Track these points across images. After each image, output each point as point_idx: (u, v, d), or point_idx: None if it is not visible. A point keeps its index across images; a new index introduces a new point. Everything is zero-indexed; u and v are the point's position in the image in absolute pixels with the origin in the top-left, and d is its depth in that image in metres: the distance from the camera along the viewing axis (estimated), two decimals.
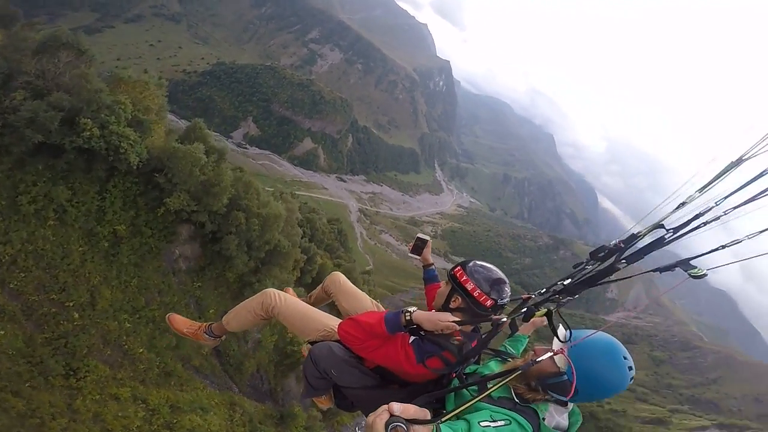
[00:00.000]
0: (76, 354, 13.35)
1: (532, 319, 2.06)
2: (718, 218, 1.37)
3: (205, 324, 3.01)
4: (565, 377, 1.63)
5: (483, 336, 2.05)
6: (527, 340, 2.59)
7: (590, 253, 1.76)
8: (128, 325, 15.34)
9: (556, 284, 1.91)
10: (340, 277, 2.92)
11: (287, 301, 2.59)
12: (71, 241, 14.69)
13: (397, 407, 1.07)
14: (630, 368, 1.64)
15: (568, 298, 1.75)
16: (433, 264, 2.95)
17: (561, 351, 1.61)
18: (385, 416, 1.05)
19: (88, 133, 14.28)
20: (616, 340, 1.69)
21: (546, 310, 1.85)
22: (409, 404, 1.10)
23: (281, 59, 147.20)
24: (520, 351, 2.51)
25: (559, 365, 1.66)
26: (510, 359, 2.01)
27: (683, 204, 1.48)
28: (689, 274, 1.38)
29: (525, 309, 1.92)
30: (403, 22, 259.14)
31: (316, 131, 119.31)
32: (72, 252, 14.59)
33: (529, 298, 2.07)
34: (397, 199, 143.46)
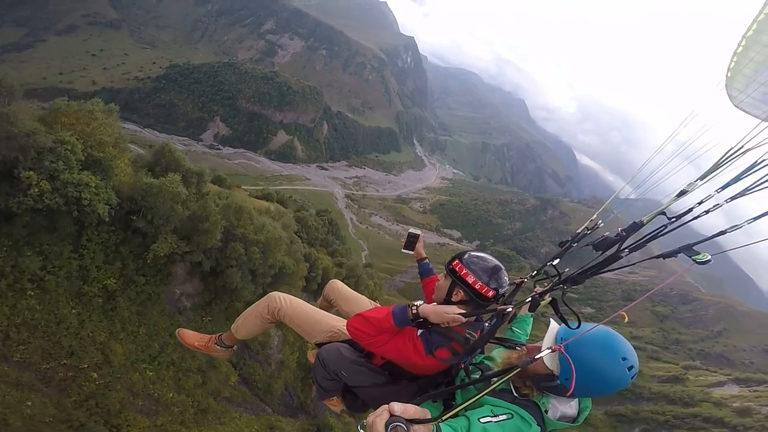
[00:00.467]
0: (110, 411, 13.44)
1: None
2: (719, 206, 1.38)
3: (215, 336, 3.03)
4: (558, 381, 1.59)
5: (488, 326, 2.04)
6: (531, 319, 2.59)
7: (594, 246, 1.77)
8: (150, 373, 15.21)
9: (546, 265, 1.99)
10: (337, 284, 2.98)
11: (293, 303, 2.64)
12: (60, 306, 13.72)
13: (397, 407, 1.08)
14: (631, 368, 1.55)
15: (573, 287, 1.75)
16: (426, 258, 3.01)
17: (558, 348, 1.56)
18: (386, 416, 1.06)
19: (36, 190, 11.86)
20: (617, 335, 1.61)
21: (551, 299, 1.86)
22: (409, 404, 1.11)
23: (239, 54, 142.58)
24: (528, 332, 2.54)
25: (550, 368, 1.62)
26: (513, 348, 2.02)
27: (684, 192, 1.50)
28: (693, 260, 1.39)
29: (530, 299, 1.93)
30: (362, 2, 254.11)
31: (288, 123, 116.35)
32: (66, 316, 13.76)
33: (522, 282, 2.15)
34: (381, 180, 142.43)
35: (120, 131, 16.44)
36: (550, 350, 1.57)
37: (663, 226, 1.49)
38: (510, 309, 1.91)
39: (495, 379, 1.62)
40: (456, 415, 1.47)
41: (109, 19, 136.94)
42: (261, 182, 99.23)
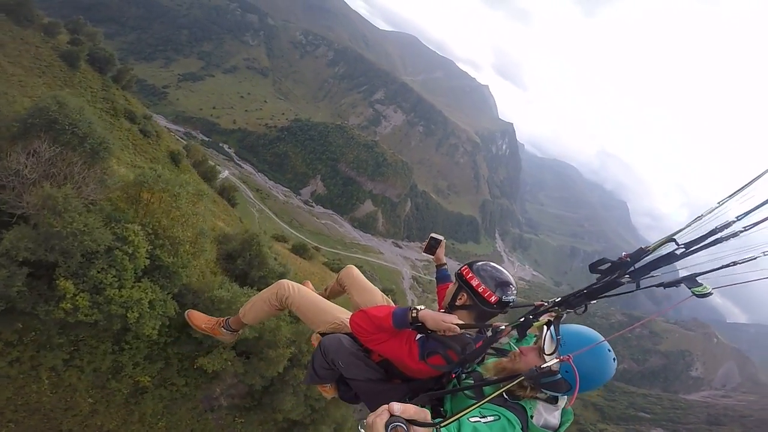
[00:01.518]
0: None
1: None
2: (737, 234, 1.32)
3: (222, 319, 3.26)
4: (559, 376, 1.70)
5: (484, 340, 2.13)
6: (535, 337, 2.70)
7: (590, 266, 1.77)
8: None
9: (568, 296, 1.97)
10: (354, 270, 3.16)
11: (301, 291, 2.83)
12: (76, 395, 12.55)
13: (397, 407, 1.10)
14: (614, 359, 1.75)
15: (568, 310, 1.78)
16: (445, 264, 3.18)
17: (567, 359, 1.64)
18: (385, 416, 1.08)
19: (69, 305, 9.98)
20: (597, 333, 1.79)
21: (546, 320, 1.88)
22: (410, 405, 1.13)
23: (350, 118, 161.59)
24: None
25: (553, 368, 1.71)
26: (503, 358, 2.10)
27: (700, 217, 1.44)
28: (693, 292, 1.37)
29: (522, 318, 1.96)
30: (464, 83, 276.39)
31: (377, 193, 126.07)
32: (78, 404, 12.63)
33: (542, 305, 2.12)
34: (452, 269, 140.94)
35: (203, 227, 14.19)
36: (558, 360, 1.66)
37: (671, 253, 1.46)
38: (503, 327, 2.01)
39: (491, 388, 1.76)
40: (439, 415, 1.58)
41: (262, 67, 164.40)
42: (339, 246, 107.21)
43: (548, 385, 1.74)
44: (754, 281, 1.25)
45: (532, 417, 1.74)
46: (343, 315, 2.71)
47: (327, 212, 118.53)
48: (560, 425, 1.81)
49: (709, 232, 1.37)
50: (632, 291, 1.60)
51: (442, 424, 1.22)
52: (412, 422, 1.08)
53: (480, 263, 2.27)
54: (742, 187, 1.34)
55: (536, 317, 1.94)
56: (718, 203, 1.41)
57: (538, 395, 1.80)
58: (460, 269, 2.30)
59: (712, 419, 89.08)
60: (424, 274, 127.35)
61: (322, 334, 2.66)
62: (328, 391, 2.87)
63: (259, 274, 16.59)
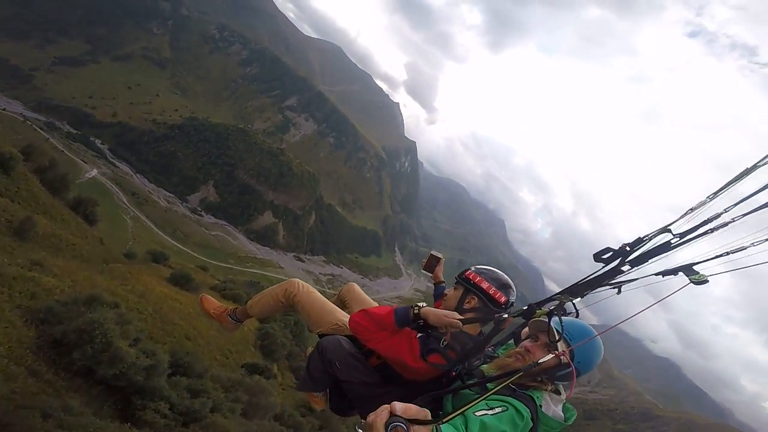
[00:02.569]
0: None
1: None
2: (726, 225, 1.41)
3: (230, 308, 3.35)
4: (571, 368, 1.86)
5: (485, 335, 2.20)
6: None
7: (594, 255, 1.79)
8: None
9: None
10: (354, 287, 3.30)
11: (309, 291, 2.94)
12: None
13: (398, 407, 1.09)
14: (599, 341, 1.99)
15: (570, 298, 1.81)
16: (443, 282, 3.28)
17: (564, 353, 1.81)
18: (386, 416, 1.08)
19: None
20: (585, 324, 2.03)
21: (547, 310, 1.91)
22: (410, 404, 1.12)
23: (255, 123, 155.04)
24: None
25: (563, 360, 1.85)
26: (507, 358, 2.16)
27: (692, 210, 1.54)
28: (690, 279, 1.43)
29: (527, 307, 1.97)
30: (378, 99, 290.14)
31: (278, 204, 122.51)
32: None
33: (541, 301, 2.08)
34: (356, 282, 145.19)
35: None
36: (562, 353, 1.82)
37: (667, 243, 1.52)
38: (506, 315, 2.04)
39: (491, 385, 1.78)
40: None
41: (161, 58, 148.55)
42: (232, 261, 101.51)
43: (563, 376, 1.88)
44: (746, 268, 1.33)
45: (541, 406, 1.78)
46: (345, 318, 2.75)
47: (219, 222, 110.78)
48: (566, 419, 1.89)
49: (701, 223, 1.45)
50: (632, 281, 1.62)
51: (443, 420, 1.21)
52: (413, 421, 1.08)
53: (479, 267, 2.40)
54: (729, 183, 1.45)
55: (539, 306, 1.97)
56: (708, 198, 1.51)
57: (547, 387, 1.89)
58: (465, 273, 2.41)
59: (588, 414, 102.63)
60: (328, 289, 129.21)
61: (321, 336, 2.70)
62: (319, 402, 2.90)
63: (112, 372, 10.33)
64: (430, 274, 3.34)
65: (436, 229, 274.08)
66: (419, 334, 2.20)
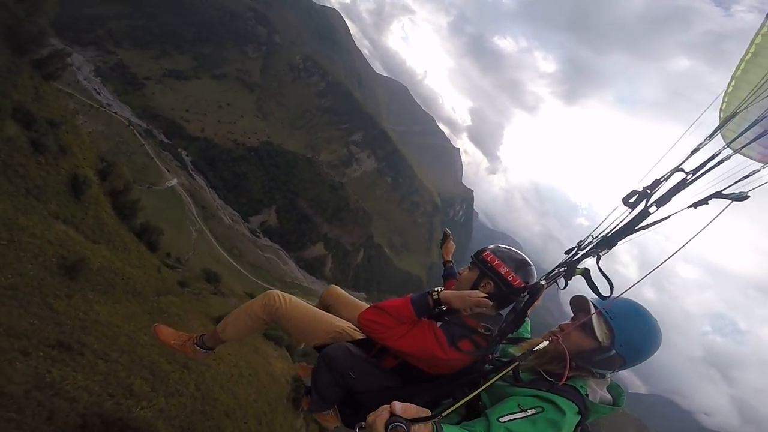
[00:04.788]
0: None
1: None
2: (729, 158, 1.48)
3: (195, 335, 2.94)
4: (614, 351, 1.64)
5: (521, 307, 2.03)
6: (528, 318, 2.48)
7: (622, 199, 1.75)
8: None
9: (588, 239, 1.91)
10: (336, 289, 3.06)
11: (292, 302, 2.59)
12: None
13: (398, 407, 1.09)
14: (659, 325, 1.73)
15: (607, 249, 1.69)
16: (451, 262, 3.17)
17: (597, 312, 1.64)
18: (386, 416, 1.08)
19: None
20: (638, 303, 1.76)
21: (584, 268, 1.77)
22: (410, 404, 1.12)
23: (322, 154, 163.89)
24: (528, 329, 2.54)
25: (600, 338, 1.67)
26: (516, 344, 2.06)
27: (697, 149, 1.62)
28: (731, 198, 1.39)
29: (565, 267, 1.85)
30: (438, 143, 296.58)
31: (331, 237, 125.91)
32: None
33: (577, 258, 1.91)
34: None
35: None
36: (595, 314, 1.63)
37: (683, 180, 1.53)
38: (543, 283, 1.88)
39: (492, 376, 1.59)
40: (478, 413, 1.52)
41: (251, 81, 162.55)
42: (278, 284, 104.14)
43: (601, 362, 1.68)
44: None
45: (587, 395, 1.65)
46: (343, 323, 2.55)
47: (273, 246, 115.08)
48: (616, 399, 1.76)
49: (708, 158, 1.49)
50: (663, 219, 1.55)
51: (442, 414, 1.19)
52: (413, 421, 1.08)
53: (494, 246, 2.21)
54: (724, 122, 1.54)
55: (576, 263, 1.83)
56: (706, 139, 1.60)
57: (585, 375, 1.73)
58: (481, 254, 2.20)
59: None
60: None
61: (319, 348, 2.48)
62: (331, 420, 2.66)
63: None
64: (440, 250, 3.18)
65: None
66: (439, 323, 2.03)
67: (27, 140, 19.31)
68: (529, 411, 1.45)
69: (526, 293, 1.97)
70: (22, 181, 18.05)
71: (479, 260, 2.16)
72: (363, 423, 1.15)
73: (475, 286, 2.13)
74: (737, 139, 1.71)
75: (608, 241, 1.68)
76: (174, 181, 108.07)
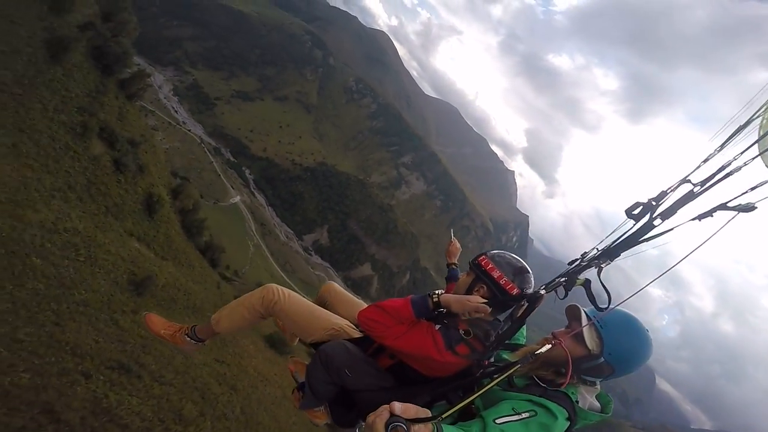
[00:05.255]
0: None
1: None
2: (740, 169, 1.42)
3: (186, 326, 2.90)
4: (602, 359, 1.69)
5: (519, 314, 2.03)
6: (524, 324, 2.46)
7: (626, 211, 1.74)
8: None
9: (593, 250, 1.89)
10: (334, 286, 3.00)
11: (291, 297, 2.58)
12: None
13: (398, 407, 1.10)
14: (651, 338, 1.80)
15: (609, 261, 1.73)
16: (455, 264, 3.15)
17: (588, 324, 1.65)
18: (386, 416, 1.09)
19: None
20: (632, 314, 1.82)
21: (585, 279, 1.83)
22: (410, 404, 1.13)
23: (373, 175, 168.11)
24: (525, 334, 2.57)
25: (590, 347, 1.73)
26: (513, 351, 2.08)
27: (706, 161, 1.57)
28: (738, 209, 1.36)
29: (565, 277, 1.88)
30: (491, 165, 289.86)
31: (378, 259, 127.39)
32: None
33: (578, 268, 1.93)
34: None
35: None
36: (587, 325, 1.67)
37: (690, 192, 1.51)
38: (543, 292, 1.91)
39: (488, 381, 1.64)
40: (470, 415, 1.53)
41: (309, 103, 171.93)
42: None
43: (590, 370, 1.73)
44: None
45: (577, 402, 1.70)
46: (341, 321, 2.56)
47: (323, 264, 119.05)
48: (604, 407, 1.82)
49: (718, 169, 1.46)
50: (667, 231, 1.57)
51: (442, 416, 1.21)
52: (413, 421, 1.09)
53: (495, 251, 2.22)
54: (739, 129, 1.47)
55: (577, 275, 1.88)
56: (719, 147, 1.53)
57: (576, 382, 1.79)
58: (477, 259, 2.22)
59: None
60: None
61: (315, 345, 2.52)
62: (321, 417, 2.70)
63: None
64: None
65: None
66: (437, 325, 2.07)
67: (110, 159, 20.64)
68: (523, 414, 1.52)
69: (524, 301, 2.01)
70: (104, 199, 19.07)
71: (474, 264, 2.19)
72: (363, 422, 1.15)
73: (469, 291, 2.15)
74: None
75: (610, 253, 1.72)
76: (237, 198, 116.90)
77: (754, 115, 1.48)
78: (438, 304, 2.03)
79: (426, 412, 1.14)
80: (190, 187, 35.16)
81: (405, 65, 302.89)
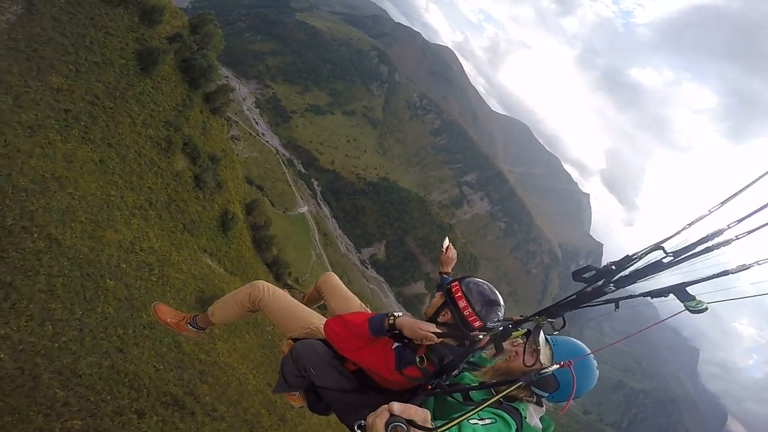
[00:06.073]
0: None
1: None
2: (729, 242, 1.29)
3: (189, 315, 3.21)
4: (549, 372, 1.80)
5: (461, 352, 2.11)
6: None
7: (573, 273, 1.78)
8: None
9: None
10: (332, 277, 3.08)
11: (275, 294, 2.77)
12: None
13: (397, 407, 1.11)
14: (596, 369, 2.03)
15: (549, 319, 1.87)
16: (449, 273, 3.20)
17: (568, 364, 1.75)
18: (386, 416, 1.10)
19: None
20: (581, 343, 2.02)
21: (525, 330, 1.99)
22: (409, 404, 1.15)
23: (433, 193, 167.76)
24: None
25: (543, 362, 1.90)
26: (488, 364, 2.26)
27: (690, 224, 1.43)
28: (686, 306, 1.31)
29: (501, 327, 2.02)
30: (564, 187, 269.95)
31: (433, 278, 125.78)
32: None
33: (517, 321, 2.12)
34: None
35: None
36: (559, 365, 1.75)
37: (659, 261, 1.43)
38: (481, 336, 2.03)
39: (482, 392, 1.89)
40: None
41: (375, 117, 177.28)
42: None
43: (539, 382, 1.86)
44: (752, 297, 1.22)
45: (525, 417, 1.87)
46: (318, 321, 2.71)
47: (378, 278, 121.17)
48: (545, 429, 1.98)
49: (700, 239, 1.34)
50: (613, 301, 1.58)
51: (441, 429, 1.23)
52: (411, 423, 1.11)
53: (472, 279, 2.22)
54: (734, 194, 1.33)
55: (515, 327, 2.05)
56: (709, 210, 1.40)
57: (530, 398, 1.98)
58: (449, 284, 2.25)
59: None
60: None
61: (295, 340, 2.66)
62: (296, 400, 2.89)
63: None
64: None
65: (600, 341, 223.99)
66: (396, 345, 2.16)
67: (191, 175, 20.48)
68: (486, 420, 1.67)
69: (479, 334, 2.08)
70: (182, 216, 18.93)
71: (446, 289, 2.22)
72: (362, 422, 1.19)
73: (437, 313, 2.21)
74: None
75: (550, 312, 1.86)
76: (305, 208, 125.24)
77: (757, 177, 1.25)
78: (393, 326, 2.13)
79: (426, 414, 1.16)
80: (263, 203, 36.52)
81: (471, 81, 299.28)
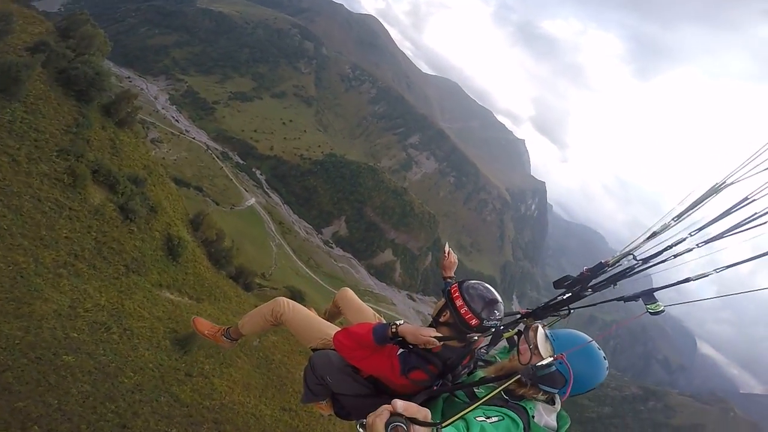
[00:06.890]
0: None
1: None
2: (691, 250, 1.38)
3: (224, 327, 3.63)
4: (554, 368, 1.83)
5: (459, 352, 2.29)
6: None
7: (554, 283, 2.00)
8: None
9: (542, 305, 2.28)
10: (348, 292, 3.47)
11: (295, 309, 3.08)
12: None
13: (399, 405, 1.13)
14: (605, 358, 1.98)
15: (533, 321, 2.05)
16: (452, 277, 3.45)
17: (561, 357, 1.79)
18: (386, 416, 1.11)
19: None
20: (585, 335, 2.02)
21: (516, 330, 2.16)
22: (411, 403, 1.16)
23: (382, 160, 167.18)
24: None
25: (544, 356, 1.92)
26: (497, 361, 2.37)
27: (656, 234, 1.53)
28: (647, 309, 1.45)
29: (494, 329, 2.19)
30: (500, 136, 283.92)
31: (399, 243, 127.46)
32: None
33: (526, 313, 2.36)
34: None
35: None
36: (552, 358, 1.81)
37: (629, 268, 1.55)
38: (476, 337, 2.19)
39: (486, 387, 1.90)
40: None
41: (308, 96, 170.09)
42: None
43: (544, 378, 1.86)
44: (709, 299, 1.27)
45: (533, 417, 1.86)
46: (333, 332, 2.84)
47: (345, 255, 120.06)
48: (558, 428, 1.96)
49: (665, 248, 1.44)
50: (593, 305, 1.76)
51: (444, 424, 1.24)
52: (412, 420, 1.12)
53: (471, 282, 2.37)
54: (694, 204, 1.40)
55: (506, 328, 2.21)
56: (673, 220, 1.48)
57: (537, 395, 1.94)
58: (449, 287, 2.42)
59: None
60: None
61: (314, 350, 2.89)
62: (325, 408, 3.04)
63: None
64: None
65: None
66: (401, 351, 2.27)
67: (114, 207, 17.17)
68: (493, 418, 1.70)
69: (474, 335, 2.22)
70: (119, 257, 16.15)
71: (446, 292, 2.40)
72: (364, 421, 1.19)
73: (438, 315, 2.41)
74: None
75: (536, 314, 2.05)
76: (252, 200, 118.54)
77: (724, 181, 1.34)
78: (396, 333, 2.25)
79: (426, 413, 1.16)
80: (209, 216, 32.20)
81: (399, 46, 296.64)
